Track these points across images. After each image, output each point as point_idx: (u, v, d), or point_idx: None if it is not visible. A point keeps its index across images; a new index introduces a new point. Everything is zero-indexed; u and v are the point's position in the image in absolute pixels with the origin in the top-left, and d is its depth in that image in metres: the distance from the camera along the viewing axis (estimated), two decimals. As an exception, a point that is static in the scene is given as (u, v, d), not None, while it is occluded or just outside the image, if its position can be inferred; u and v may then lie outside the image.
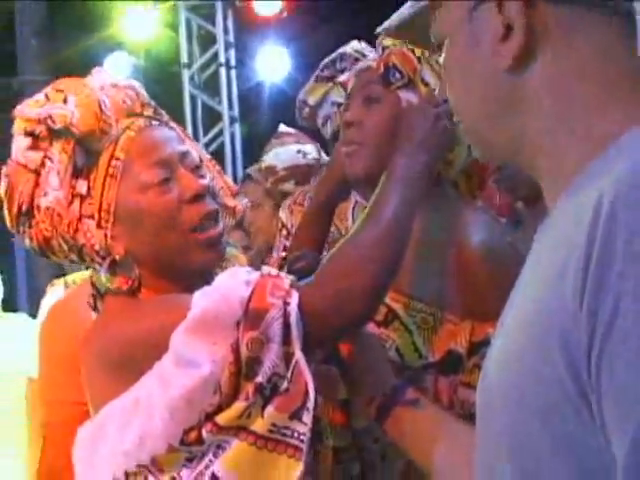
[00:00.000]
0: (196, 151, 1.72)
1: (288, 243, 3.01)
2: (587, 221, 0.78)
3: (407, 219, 1.58)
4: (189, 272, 1.64)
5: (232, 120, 8.44)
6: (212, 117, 8.48)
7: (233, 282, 1.51)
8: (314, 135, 3.19)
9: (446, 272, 1.73)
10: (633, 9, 0.91)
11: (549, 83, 0.92)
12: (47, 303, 3.18)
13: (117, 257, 1.61)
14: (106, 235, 1.60)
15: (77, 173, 1.60)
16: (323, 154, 3.38)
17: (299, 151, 3.26)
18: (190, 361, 1.46)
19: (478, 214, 1.82)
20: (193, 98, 8.46)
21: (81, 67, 1.70)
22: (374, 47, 1.86)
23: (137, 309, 1.60)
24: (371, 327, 1.70)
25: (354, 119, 1.78)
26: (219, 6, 8.26)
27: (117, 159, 1.60)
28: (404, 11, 1.05)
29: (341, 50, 2.85)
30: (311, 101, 2.92)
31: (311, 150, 3.36)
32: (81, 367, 1.65)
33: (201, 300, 1.49)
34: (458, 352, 1.68)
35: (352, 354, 1.63)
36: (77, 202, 1.60)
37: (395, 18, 1.07)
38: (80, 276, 3.16)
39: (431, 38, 1.04)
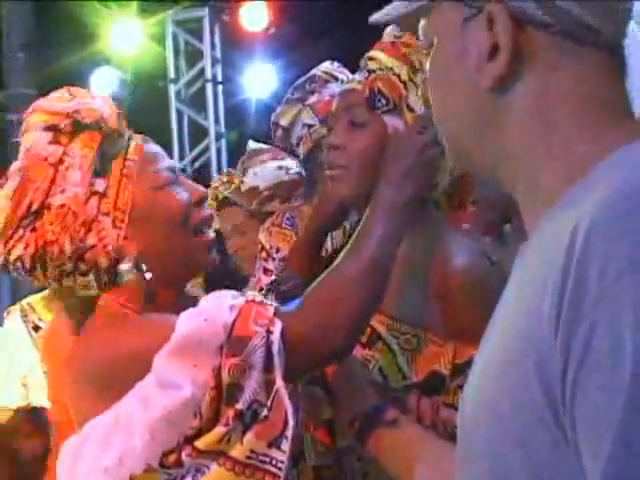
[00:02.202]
0: None
1: (268, 265, 2.99)
2: (563, 248, 0.79)
3: (392, 250, 1.60)
4: (191, 273, 1.71)
5: (218, 136, 8.44)
6: (198, 133, 8.47)
7: (218, 306, 1.52)
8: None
9: (429, 294, 1.73)
10: (620, 44, 0.94)
11: (531, 106, 0.93)
12: (5, 330, 3.15)
13: (129, 258, 1.61)
14: (119, 235, 1.60)
15: (97, 170, 1.60)
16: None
17: (280, 167, 3.17)
18: (171, 383, 1.47)
19: (460, 236, 1.83)
20: (179, 113, 8.44)
21: (68, 81, 1.70)
22: (359, 64, 1.85)
23: (121, 327, 1.60)
24: (355, 348, 1.70)
25: (338, 143, 1.78)
26: (206, 21, 8.27)
27: (131, 160, 1.63)
28: (399, 6, 1.04)
29: (311, 72, 2.86)
30: (283, 123, 2.93)
31: (292, 164, 3.25)
32: (66, 382, 1.66)
33: (185, 323, 1.50)
34: (441, 373, 1.68)
35: (335, 375, 1.65)
36: (95, 200, 1.59)
37: (388, 13, 1.06)
38: (35, 298, 3.15)
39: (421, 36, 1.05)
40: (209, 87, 8.37)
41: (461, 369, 1.66)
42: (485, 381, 0.91)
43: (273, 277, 2.25)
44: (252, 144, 3.46)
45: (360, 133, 1.77)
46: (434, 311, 1.72)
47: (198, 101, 8.47)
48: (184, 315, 1.52)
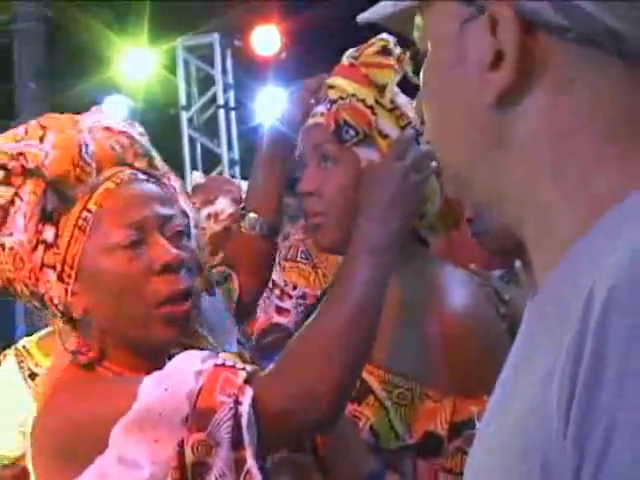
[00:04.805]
0: (192, 215, 1.59)
1: (283, 304, 2.81)
2: (576, 321, 0.64)
3: (380, 294, 1.42)
4: (145, 346, 1.49)
5: (232, 162, 8.35)
6: (212, 159, 8.40)
7: (183, 372, 1.35)
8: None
9: (425, 341, 1.57)
10: None
11: (541, 127, 0.76)
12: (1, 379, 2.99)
13: (76, 316, 1.46)
14: (67, 290, 1.45)
15: (46, 218, 1.45)
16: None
17: (209, 216, 2.96)
18: (130, 461, 1.31)
19: (460, 274, 1.68)
20: (192, 140, 8.37)
21: (79, 109, 1.58)
22: None
23: (85, 390, 1.45)
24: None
25: (312, 189, 1.62)
26: (217, 47, 8.19)
27: (89, 211, 1.45)
28: (390, 4, 0.86)
29: None
30: None
31: (222, 205, 3.04)
32: (30, 448, 1.51)
33: (147, 391, 1.34)
34: (437, 434, 1.52)
35: (326, 440, 1.49)
36: (41, 249, 1.45)
37: (376, 12, 0.88)
38: (31, 340, 2.98)
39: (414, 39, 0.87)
40: (221, 113, 8.28)
41: (459, 429, 1.50)
42: (484, 471, 0.75)
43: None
44: (196, 176, 3.22)
45: (332, 173, 1.61)
46: (431, 360, 1.56)
47: (211, 128, 8.40)
48: (147, 381, 1.36)
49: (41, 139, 1.48)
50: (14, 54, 8.04)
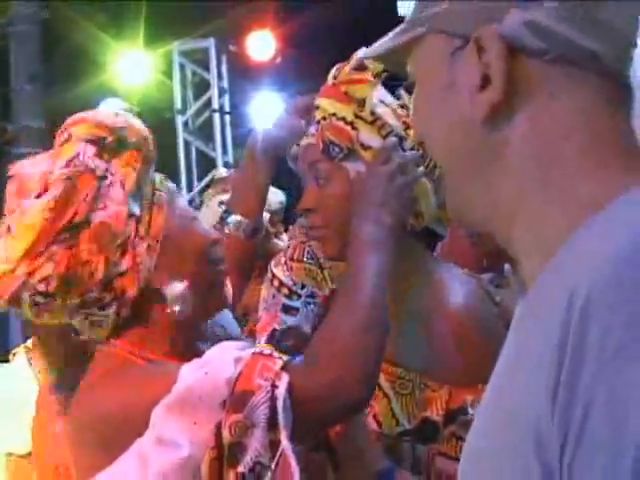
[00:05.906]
0: None
1: (292, 302, 2.85)
2: (560, 319, 0.72)
3: (384, 287, 1.51)
4: (213, 308, 1.63)
5: (227, 166, 8.36)
6: (206, 163, 8.43)
7: (222, 359, 1.42)
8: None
9: (425, 335, 1.66)
10: (624, 73, 0.83)
11: (528, 142, 0.84)
12: (9, 372, 3.02)
13: (162, 287, 1.53)
14: (151, 264, 1.53)
15: (136, 192, 1.52)
16: None
17: (221, 202, 3.02)
18: (170, 440, 1.37)
19: (458, 273, 1.77)
20: (187, 144, 8.41)
21: (75, 112, 1.62)
22: None
23: (121, 381, 1.50)
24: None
25: (311, 206, 1.72)
26: (212, 51, 8.24)
27: (160, 191, 1.57)
28: (386, 42, 0.97)
29: None
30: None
31: None
32: (67, 436, 1.58)
33: (187, 375, 1.41)
34: (433, 420, 1.62)
35: (339, 437, 1.57)
36: (132, 222, 1.51)
37: (376, 49, 0.99)
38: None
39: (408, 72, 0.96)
40: (216, 117, 8.33)
41: (454, 415, 1.60)
42: (478, 455, 0.83)
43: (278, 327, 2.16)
44: (221, 171, 3.29)
45: (327, 189, 1.70)
46: (430, 352, 1.65)
47: (206, 132, 8.44)
48: (187, 367, 1.43)
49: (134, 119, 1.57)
50: (10, 57, 8.05)
